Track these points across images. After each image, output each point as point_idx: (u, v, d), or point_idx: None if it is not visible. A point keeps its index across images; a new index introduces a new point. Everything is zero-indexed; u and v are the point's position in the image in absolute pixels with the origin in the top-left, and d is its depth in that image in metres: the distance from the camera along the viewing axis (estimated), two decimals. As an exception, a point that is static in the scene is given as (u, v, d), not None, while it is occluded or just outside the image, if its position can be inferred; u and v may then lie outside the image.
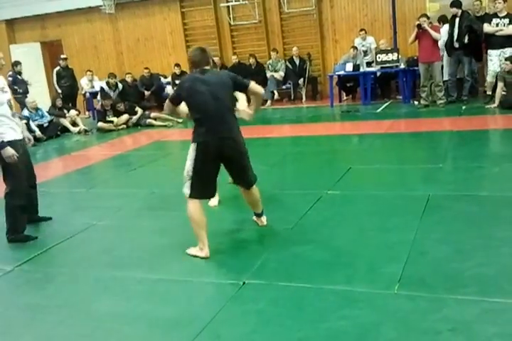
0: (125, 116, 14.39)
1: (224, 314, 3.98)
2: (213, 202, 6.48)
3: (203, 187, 5.16)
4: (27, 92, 15.43)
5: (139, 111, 14.65)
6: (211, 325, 3.82)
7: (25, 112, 13.73)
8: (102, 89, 15.90)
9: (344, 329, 3.61)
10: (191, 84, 5.11)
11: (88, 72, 17.16)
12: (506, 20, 11.99)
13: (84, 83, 17.34)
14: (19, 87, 15.25)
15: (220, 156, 5.11)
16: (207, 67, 5.15)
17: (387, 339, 3.45)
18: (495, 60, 12.15)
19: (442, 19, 13.40)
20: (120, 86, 16.04)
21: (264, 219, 5.79)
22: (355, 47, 15.06)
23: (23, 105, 14.77)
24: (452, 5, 12.56)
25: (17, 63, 15.61)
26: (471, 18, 12.69)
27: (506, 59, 11.58)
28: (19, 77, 15.39)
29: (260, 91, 5.42)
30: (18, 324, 4.18)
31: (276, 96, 16.22)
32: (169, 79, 16.68)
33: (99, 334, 3.91)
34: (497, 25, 12.05)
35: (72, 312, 4.26)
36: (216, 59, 16.69)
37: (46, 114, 14.21)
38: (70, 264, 5.28)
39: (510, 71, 11.40)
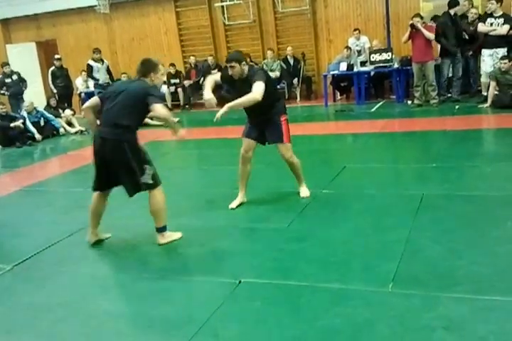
0: None
1: (221, 313, 4.01)
2: (233, 204, 6.53)
3: (95, 178, 5.50)
4: (19, 93, 15.41)
5: None
6: (208, 324, 3.85)
7: (24, 113, 13.76)
8: (89, 66, 16.08)
9: (339, 327, 3.65)
10: (112, 88, 5.72)
11: (83, 72, 17.16)
12: (501, 20, 12.05)
13: (79, 83, 17.32)
14: (6, 90, 15.26)
15: (103, 155, 5.30)
16: (142, 78, 5.37)
17: (382, 336, 3.49)
18: (487, 60, 12.21)
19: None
20: (106, 62, 16.25)
21: (163, 236, 5.51)
22: (348, 48, 15.12)
23: (14, 106, 14.83)
24: (454, 4, 12.64)
25: (4, 64, 15.57)
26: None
27: (502, 58, 11.60)
28: (6, 79, 15.34)
29: (160, 114, 5.18)
30: (18, 323, 4.20)
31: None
32: (164, 78, 16.67)
33: (98, 333, 3.94)
34: (491, 24, 12.11)
35: (71, 311, 4.29)
36: (210, 58, 16.77)
37: (48, 114, 14.20)
38: (69, 263, 5.30)
39: (506, 70, 11.42)
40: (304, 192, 6.66)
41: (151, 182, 5.33)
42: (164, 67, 5.55)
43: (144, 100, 5.13)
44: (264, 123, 6.29)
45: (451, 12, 12.73)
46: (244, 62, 5.96)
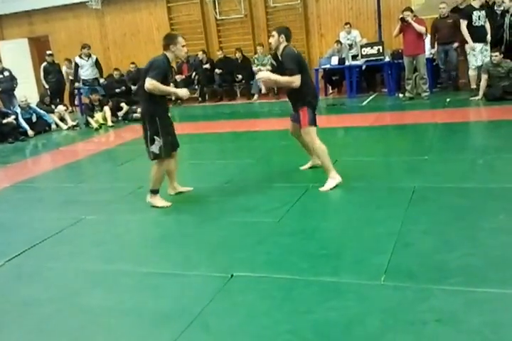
0: (106, 108, 14.38)
1: (213, 307, 4.00)
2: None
3: None
4: (11, 89, 15.33)
5: (124, 107, 14.69)
6: (200, 318, 3.84)
7: (17, 108, 13.75)
8: (76, 65, 15.72)
9: (332, 320, 3.64)
10: None
11: (65, 61, 17.16)
12: (483, 12, 12.10)
13: (65, 72, 17.21)
14: None
15: None
16: (164, 51, 6.28)
17: (374, 329, 3.48)
18: (478, 54, 12.22)
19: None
20: (94, 57, 15.64)
21: (150, 197, 6.47)
22: (338, 42, 15.10)
23: (6, 102, 14.78)
24: None
25: None
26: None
27: (493, 51, 11.61)
28: None
29: (147, 87, 5.97)
30: (10, 318, 4.19)
31: (263, 90, 16.26)
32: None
33: (90, 328, 3.93)
34: (479, 17, 12.12)
35: (63, 306, 4.29)
36: (200, 53, 16.71)
37: (40, 110, 14.14)
38: (61, 258, 5.29)
39: (497, 63, 11.42)
40: (326, 185, 6.59)
41: (157, 152, 6.20)
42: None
43: (146, 75, 5.99)
44: None
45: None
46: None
